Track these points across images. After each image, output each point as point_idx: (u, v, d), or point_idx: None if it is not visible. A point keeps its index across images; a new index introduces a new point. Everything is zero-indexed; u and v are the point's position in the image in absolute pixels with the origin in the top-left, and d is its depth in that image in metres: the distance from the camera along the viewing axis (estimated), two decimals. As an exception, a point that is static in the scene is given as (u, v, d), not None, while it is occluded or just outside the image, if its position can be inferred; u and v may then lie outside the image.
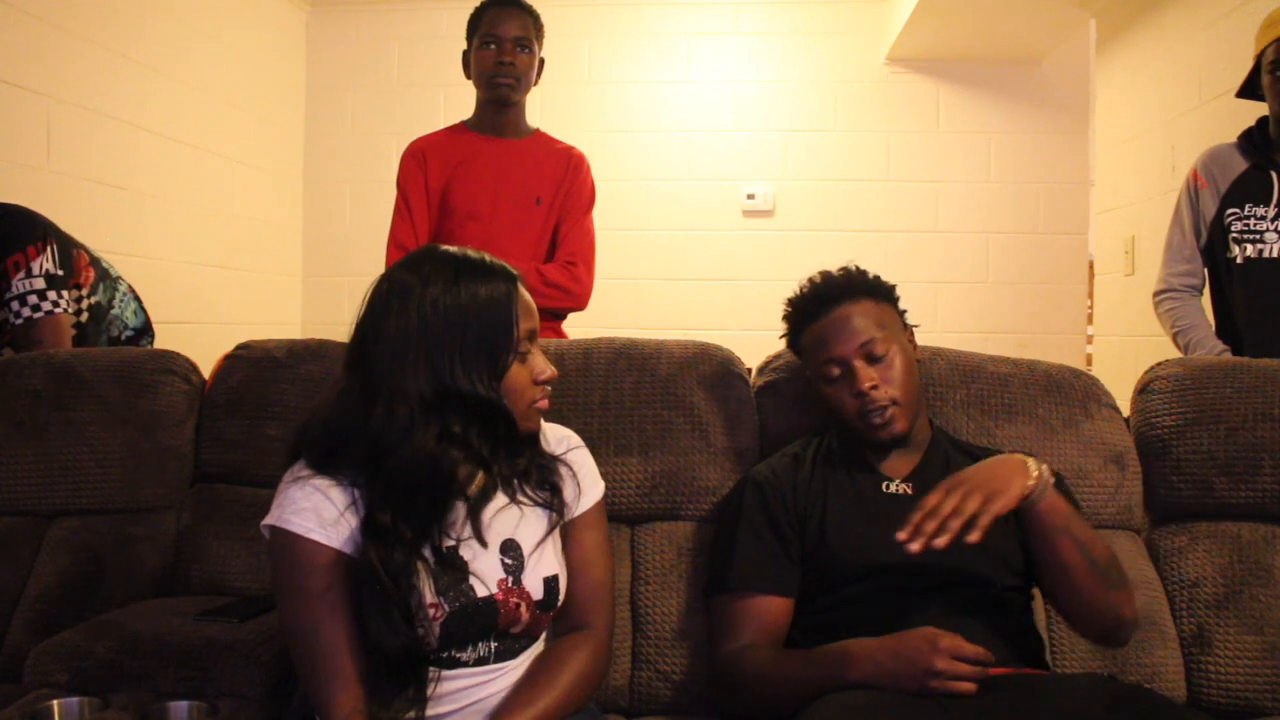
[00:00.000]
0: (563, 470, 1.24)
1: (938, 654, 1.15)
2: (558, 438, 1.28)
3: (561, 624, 1.23)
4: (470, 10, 2.27)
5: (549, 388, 1.20)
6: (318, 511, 1.08)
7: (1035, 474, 1.22)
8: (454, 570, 1.11)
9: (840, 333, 1.39)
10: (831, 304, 1.42)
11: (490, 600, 1.13)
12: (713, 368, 1.63)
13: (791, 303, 1.49)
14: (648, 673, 1.48)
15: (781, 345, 1.70)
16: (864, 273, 1.47)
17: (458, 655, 1.13)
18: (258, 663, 1.32)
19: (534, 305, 1.18)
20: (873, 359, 1.38)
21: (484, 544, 1.13)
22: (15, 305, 2.08)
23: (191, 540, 1.66)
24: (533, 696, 1.13)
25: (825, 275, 1.47)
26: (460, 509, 1.14)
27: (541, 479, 1.22)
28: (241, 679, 1.30)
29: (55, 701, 1.17)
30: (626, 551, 1.56)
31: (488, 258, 1.17)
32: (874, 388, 1.37)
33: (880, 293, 1.45)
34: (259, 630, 1.38)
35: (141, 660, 1.32)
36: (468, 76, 2.29)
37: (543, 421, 1.25)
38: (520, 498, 1.19)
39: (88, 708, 1.18)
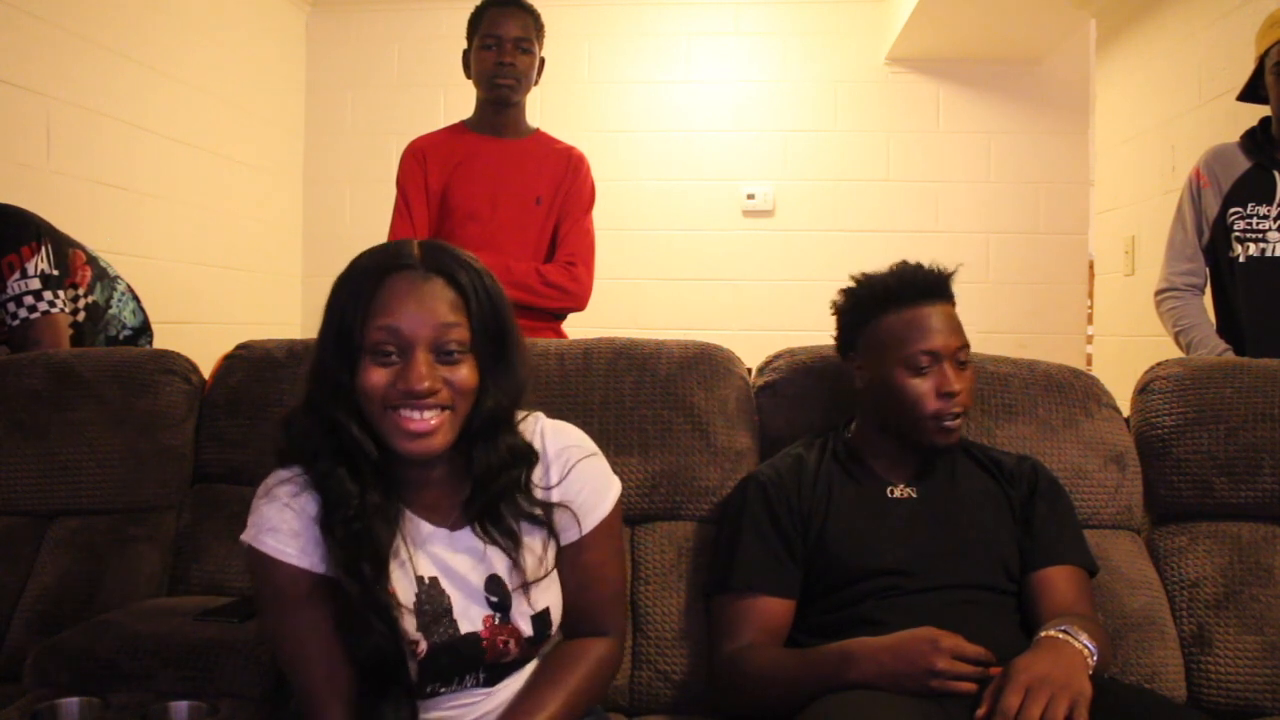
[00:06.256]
0: (549, 510, 1.12)
1: (939, 654, 1.15)
2: (557, 450, 1.14)
3: (572, 629, 1.19)
4: (470, 10, 2.27)
5: (417, 402, 1.01)
6: (290, 529, 1.04)
7: (1092, 660, 1.17)
8: (434, 604, 1.07)
9: (945, 327, 1.37)
10: (936, 297, 1.39)
11: (474, 637, 1.08)
12: (713, 368, 1.63)
13: (889, 277, 1.41)
14: (648, 673, 1.48)
15: (782, 344, 1.70)
16: None
17: (443, 689, 1.09)
18: (258, 663, 1.31)
19: (433, 298, 1.02)
20: (961, 365, 1.38)
21: (410, 568, 1.06)
22: (11, 306, 2.08)
23: (191, 540, 1.66)
24: (540, 702, 1.10)
25: (922, 265, 1.42)
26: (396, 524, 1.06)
27: (511, 533, 1.09)
28: (241, 679, 1.30)
29: (55, 701, 1.17)
30: (627, 551, 1.55)
31: (407, 242, 1.07)
32: (959, 393, 1.36)
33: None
34: (259, 630, 1.38)
35: (141, 660, 1.32)
36: (468, 76, 2.29)
37: (548, 428, 1.15)
38: (483, 535, 1.10)
39: (88, 708, 1.18)
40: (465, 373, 1.04)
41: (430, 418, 1.02)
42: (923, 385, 1.36)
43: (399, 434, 1.02)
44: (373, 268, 1.04)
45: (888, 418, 1.41)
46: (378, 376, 1.01)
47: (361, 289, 1.03)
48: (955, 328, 1.39)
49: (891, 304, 1.39)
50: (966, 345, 1.39)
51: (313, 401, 1.05)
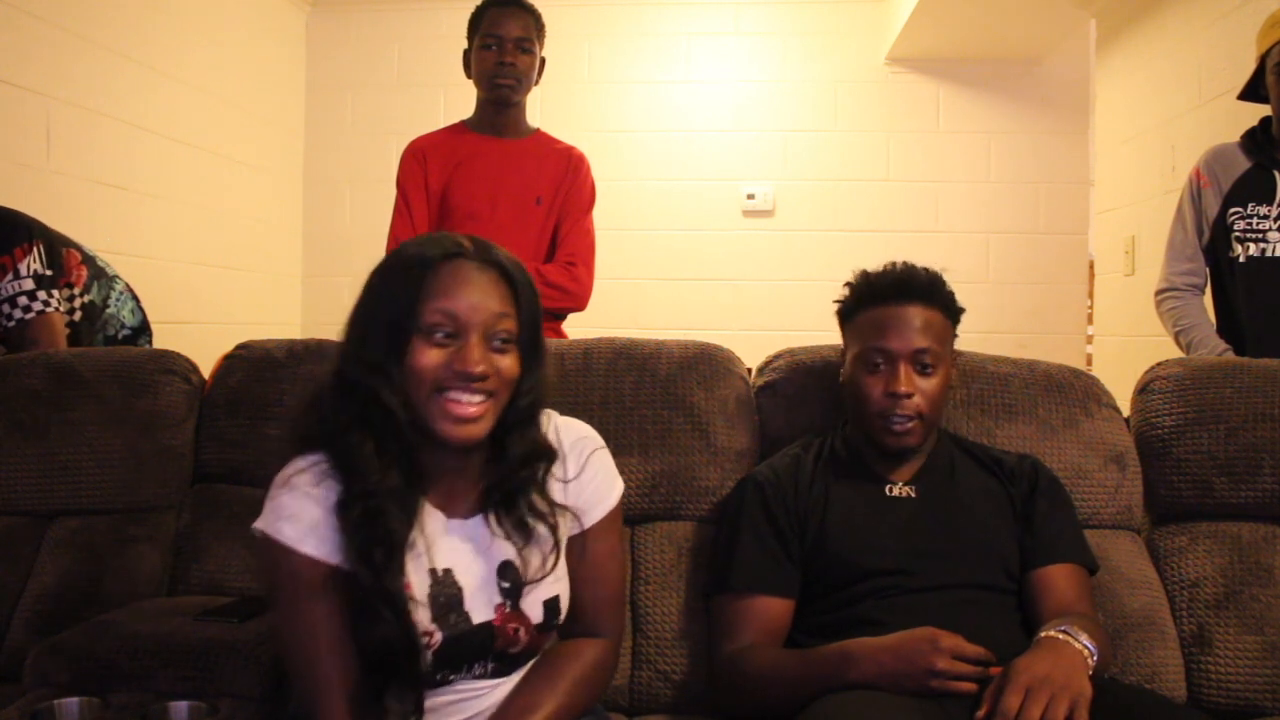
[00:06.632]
0: (561, 514, 1.13)
1: (939, 654, 1.15)
2: (571, 442, 1.17)
3: (567, 629, 1.19)
4: (470, 10, 2.27)
5: (474, 385, 1.03)
6: (310, 518, 1.04)
7: (1092, 660, 1.17)
8: (447, 596, 1.07)
9: (903, 328, 1.37)
10: (907, 297, 1.39)
11: (487, 626, 1.09)
12: (713, 368, 1.63)
13: (867, 276, 1.44)
14: (648, 673, 1.48)
15: (782, 344, 1.71)
16: (945, 283, 1.44)
17: (453, 677, 1.09)
18: (258, 663, 1.31)
19: (488, 287, 1.06)
20: (922, 368, 1.37)
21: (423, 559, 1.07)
22: (6, 308, 2.08)
23: (191, 540, 1.66)
24: (535, 701, 1.10)
25: (910, 267, 1.43)
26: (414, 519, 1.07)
27: (523, 526, 1.10)
28: (241, 679, 1.30)
29: (55, 701, 1.17)
30: (627, 551, 1.56)
31: (453, 234, 1.10)
32: (909, 396, 1.35)
33: (951, 311, 1.43)
34: (259, 630, 1.37)
35: (141, 660, 1.32)
36: (468, 76, 2.29)
37: (560, 424, 1.17)
38: (495, 527, 1.11)
39: (88, 708, 1.18)
40: (510, 363, 1.07)
41: (477, 402, 1.04)
42: (873, 383, 1.38)
43: (444, 418, 1.03)
44: (429, 253, 1.06)
45: (851, 413, 1.44)
46: (432, 356, 1.03)
47: (415, 273, 1.04)
48: (924, 330, 1.37)
49: (865, 301, 1.42)
50: (931, 350, 1.37)
51: (346, 381, 1.05)
